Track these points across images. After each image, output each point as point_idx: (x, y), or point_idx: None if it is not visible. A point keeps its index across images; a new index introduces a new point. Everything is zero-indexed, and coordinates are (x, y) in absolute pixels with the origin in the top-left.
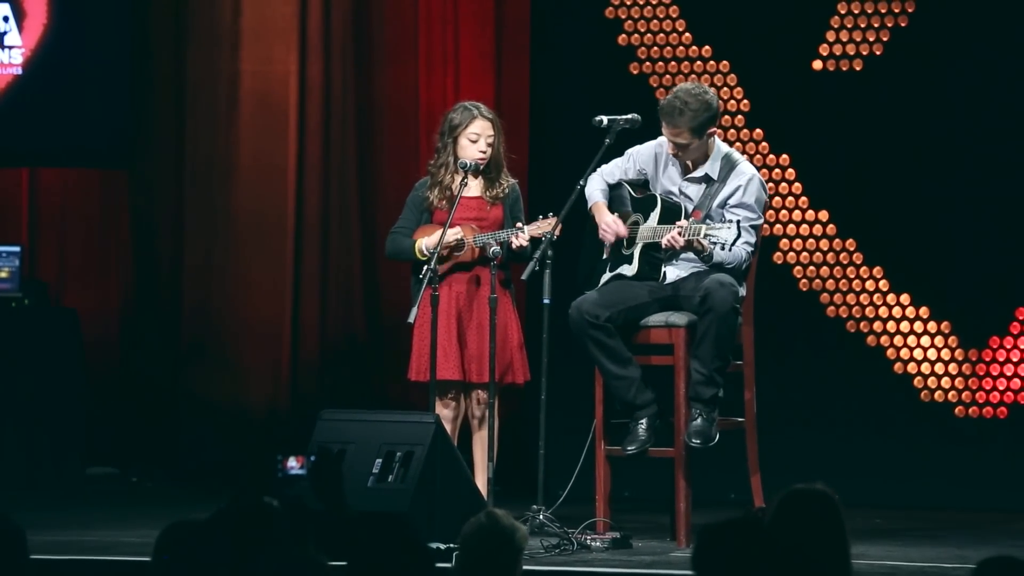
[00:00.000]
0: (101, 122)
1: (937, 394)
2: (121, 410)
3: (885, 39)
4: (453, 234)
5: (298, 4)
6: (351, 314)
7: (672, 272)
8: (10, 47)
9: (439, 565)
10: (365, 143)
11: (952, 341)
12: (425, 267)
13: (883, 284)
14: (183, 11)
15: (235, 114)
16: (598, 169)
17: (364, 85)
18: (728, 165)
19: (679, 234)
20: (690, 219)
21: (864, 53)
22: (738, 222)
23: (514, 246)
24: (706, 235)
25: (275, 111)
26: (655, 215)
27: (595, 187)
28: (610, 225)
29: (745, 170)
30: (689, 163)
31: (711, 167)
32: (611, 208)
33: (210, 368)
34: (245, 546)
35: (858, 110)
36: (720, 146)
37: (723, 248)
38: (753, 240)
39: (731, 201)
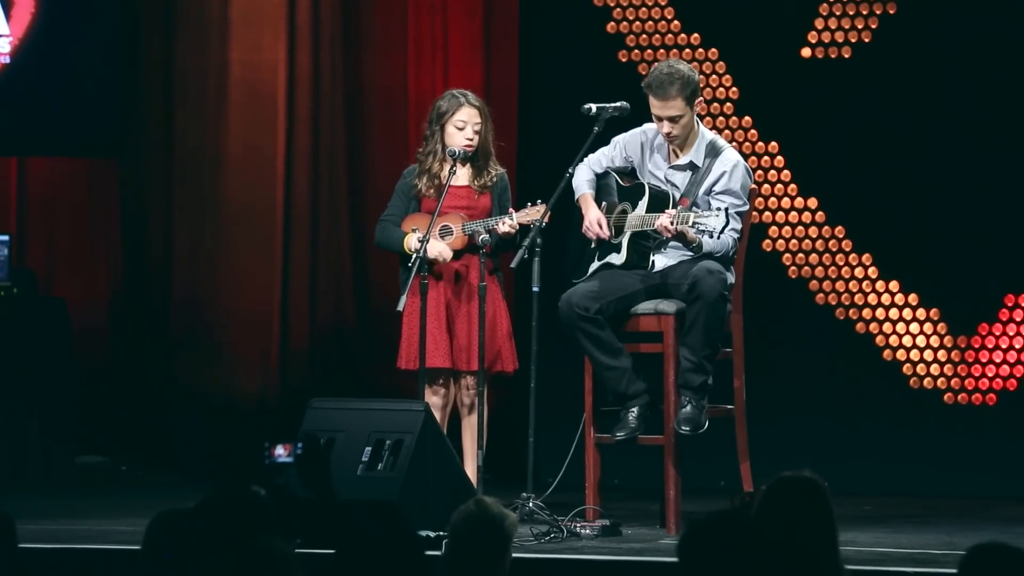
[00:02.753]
0: (90, 111)
1: (926, 381)
2: (111, 399)
3: (874, 27)
4: (439, 249)
5: None
6: (340, 302)
7: (660, 260)
8: None
9: (428, 553)
10: (354, 132)
11: (941, 328)
12: (414, 255)
13: (872, 271)
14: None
15: (224, 103)
16: (585, 159)
17: (353, 74)
18: (713, 152)
19: (670, 222)
20: (678, 207)
21: (853, 41)
22: (726, 209)
23: (501, 231)
24: (694, 223)
25: (264, 100)
26: (643, 203)
27: (582, 178)
28: (592, 224)
29: (730, 156)
30: (674, 150)
31: (695, 154)
32: (599, 197)
33: (200, 357)
34: (231, 535)
35: (847, 98)
36: (704, 132)
37: (711, 236)
38: (739, 227)
39: (716, 188)
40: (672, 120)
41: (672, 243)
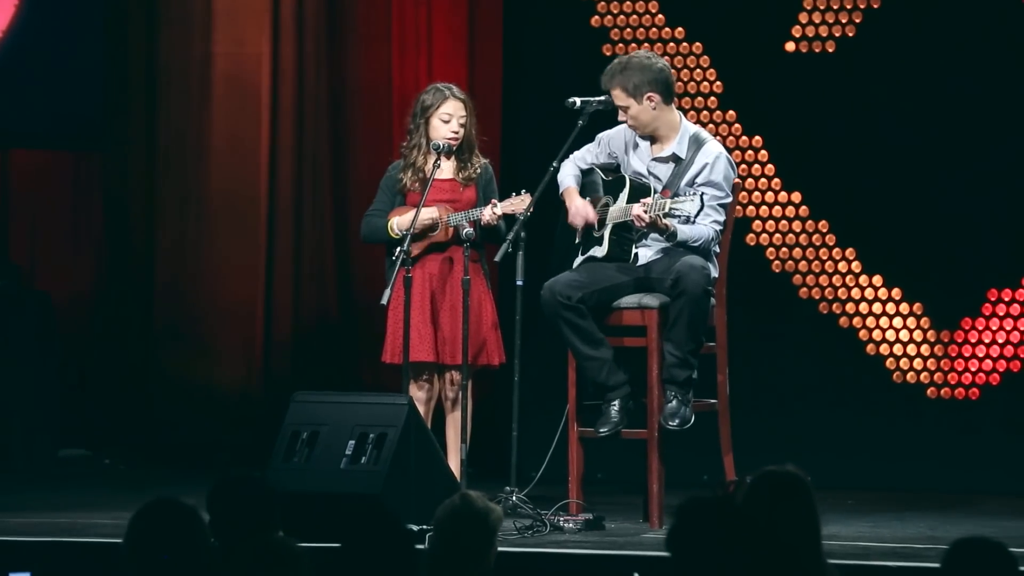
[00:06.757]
0: (74, 104)
1: (909, 375)
2: (94, 392)
3: (858, 21)
4: (428, 213)
5: None
6: (324, 295)
7: (644, 253)
8: None
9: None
10: (338, 125)
11: (924, 322)
12: (398, 248)
13: (855, 265)
14: None
15: (207, 96)
16: (571, 155)
17: (337, 67)
18: (696, 144)
19: (644, 211)
20: (654, 195)
21: (837, 35)
22: (702, 195)
23: (484, 220)
24: (671, 208)
25: (248, 93)
26: (624, 195)
27: (567, 172)
28: (579, 209)
29: (712, 148)
30: (657, 143)
31: (678, 147)
32: (584, 194)
33: (183, 350)
34: (229, 532)
35: (831, 92)
36: (687, 125)
37: (687, 221)
38: (722, 219)
39: (699, 180)
40: (621, 110)
41: (653, 235)
